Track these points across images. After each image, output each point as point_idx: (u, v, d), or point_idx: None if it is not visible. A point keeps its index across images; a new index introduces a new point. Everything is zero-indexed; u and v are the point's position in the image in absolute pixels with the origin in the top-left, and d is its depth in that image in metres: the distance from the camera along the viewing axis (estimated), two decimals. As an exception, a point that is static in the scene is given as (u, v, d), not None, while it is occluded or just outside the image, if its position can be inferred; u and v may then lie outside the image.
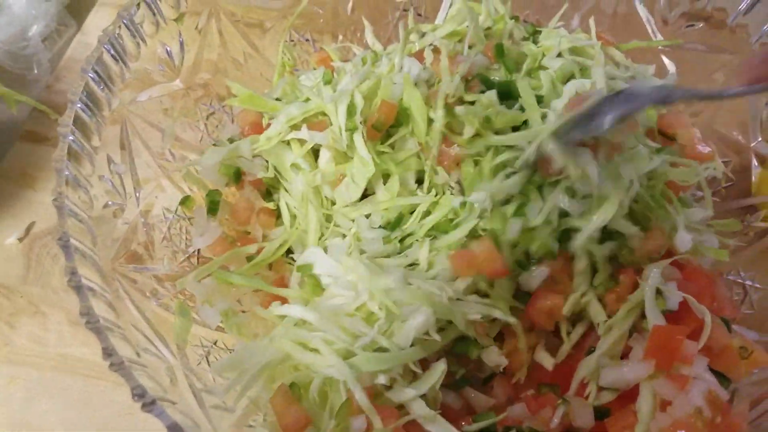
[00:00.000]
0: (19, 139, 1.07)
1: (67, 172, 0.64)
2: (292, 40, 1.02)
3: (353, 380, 0.60)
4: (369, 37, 1.00)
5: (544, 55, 0.90)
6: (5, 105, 1.05)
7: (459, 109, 0.77)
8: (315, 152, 0.83)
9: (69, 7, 1.26)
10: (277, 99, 0.91)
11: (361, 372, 0.61)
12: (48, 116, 1.09)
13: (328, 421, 0.60)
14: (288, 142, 0.82)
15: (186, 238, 0.81)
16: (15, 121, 1.09)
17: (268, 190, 0.87)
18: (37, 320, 0.88)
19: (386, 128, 0.79)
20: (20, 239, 0.95)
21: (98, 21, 1.25)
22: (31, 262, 0.93)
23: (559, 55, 0.89)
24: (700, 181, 0.81)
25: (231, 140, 0.90)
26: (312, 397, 0.62)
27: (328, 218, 0.80)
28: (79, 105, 0.68)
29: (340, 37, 1.06)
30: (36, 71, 1.16)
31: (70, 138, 0.65)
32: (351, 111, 0.78)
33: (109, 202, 0.70)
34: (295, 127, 0.81)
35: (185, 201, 0.83)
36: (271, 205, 0.84)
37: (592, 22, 0.98)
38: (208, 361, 0.69)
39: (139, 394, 0.51)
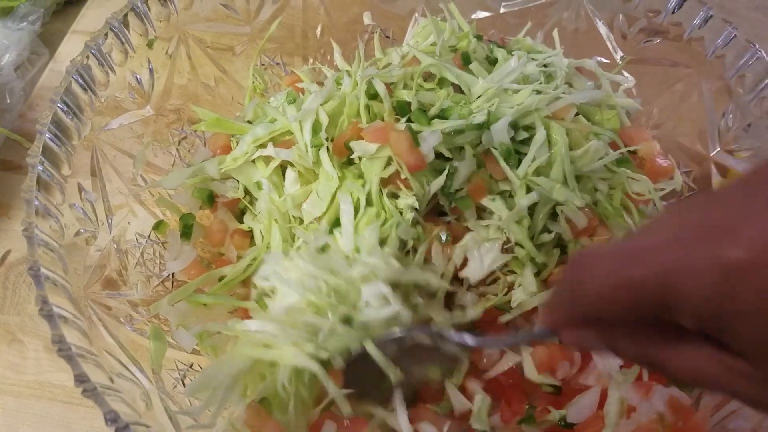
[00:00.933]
0: (-7, 168, 1.07)
1: (36, 202, 0.64)
2: (263, 64, 1.03)
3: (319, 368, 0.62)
4: (338, 59, 1.02)
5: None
6: (-22, 135, 1.06)
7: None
8: (283, 170, 0.84)
9: (41, 35, 1.27)
10: (248, 122, 0.93)
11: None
12: (21, 145, 1.09)
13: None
14: (254, 162, 0.83)
15: (160, 263, 0.82)
16: (-13, 150, 1.10)
17: (242, 210, 0.88)
18: (14, 348, 0.88)
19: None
20: (-5, 268, 0.96)
21: (71, 49, 1.26)
22: (7, 291, 0.94)
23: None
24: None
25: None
26: (281, 396, 0.63)
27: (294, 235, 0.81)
28: (47, 135, 0.69)
29: (311, 60, 1.08)
30: (9, 100, 1.16)
31: (39, 168, 0.66)
32: (316, 128, 0.80)
33: (81, 230, 0.71)
34: (262, 146, 0.83)
35: (158, 226, 0.83)
36: (244, 226, 0.85)
37: (555, 33, 1.02)
38: (183, 383, 0.70)
39: (112, 419, 0.52)
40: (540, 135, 0.81)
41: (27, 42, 1.23)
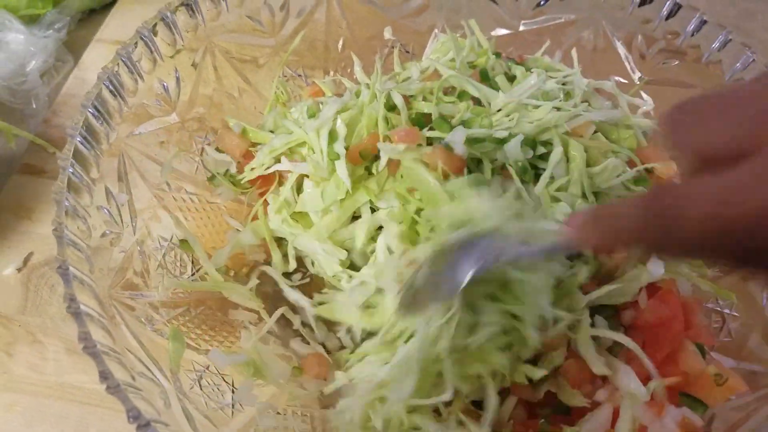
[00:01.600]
0: (17, 172, 1.09)
1: (66, 203, 0.66)
2: (285, 76, 1.05)
3: None
4: (358, 72, 1.03)
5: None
6: (4, 139, 1.08)
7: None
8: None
9: (66, 43, 1.30)
10: (271, 131, 0.95)
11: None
12: (45, 150, 1.12)
13: None
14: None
15: (180, 266, 0.84)
16: (13, 155, 1.12)
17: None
18: (35, 349, 0.90)
19: (371, 157, 0.82)
20: (18, 270, 0.97)
21: (95, 57, 1.29)
22: (29, 293, 0.95)
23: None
24: None
25: (227, 173, 0.94)
26: None
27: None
28: (78, 139, 0.71)
29: (332, 73, 1.10)
30: (34, 106, 1.19)
31: (70, 170, 0.68)
32: (333, 137, 0.82)
33: (107, 231, 0.73)
34: (277, 160, 0.85)
35: (183, 244, 0.85)
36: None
37: (574, 53, 1.03)
38: (200, 385, 0.71)
39: (134, 416, 0.53)
40: (557, 152, 0.82)
41: (52, 49, 1.26)
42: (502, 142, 0.80)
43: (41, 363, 0.89)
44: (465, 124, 0.84)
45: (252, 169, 0.88)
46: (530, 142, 0.82)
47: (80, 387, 0.86)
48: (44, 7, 1.33)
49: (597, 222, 0.49)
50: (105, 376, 0.55)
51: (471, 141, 0.80)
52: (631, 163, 0.88)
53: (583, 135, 0.87)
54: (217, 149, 0.94)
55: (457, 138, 0.78)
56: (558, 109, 0.86)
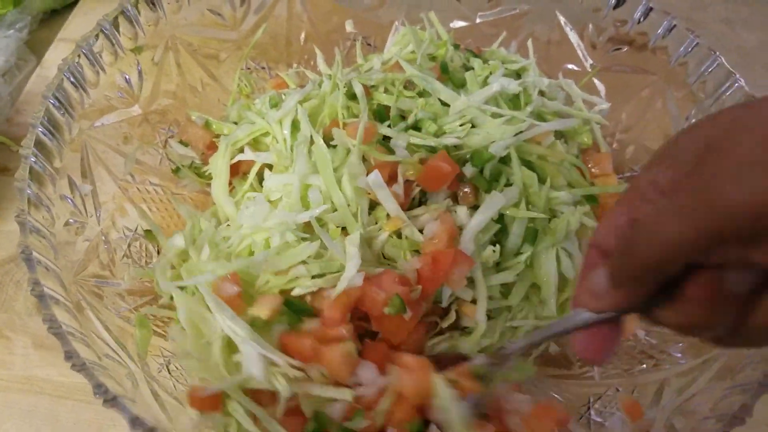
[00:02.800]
0: (-20, 171, 1.09)
1: (29, 191, 0.67)
2: (249, 68, 1.07)
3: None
4: (321, 64, 1.05)
5: (491, 73, 0.96)
6: (-34, 138, 1.08)
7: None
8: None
9: (29, 43, 1.30)
10: (234, 123, 0.96)
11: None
12: (9, 147, 1.12)
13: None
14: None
15: (146, 255, 0.84)
16: (-24, 154, 1.11)
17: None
18: (1, 345, 0.90)
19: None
20: (-18, 267, 0.97)
21: (57, 56, 1.28)
22: (-6, 289, 0.95)
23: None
24: None
25: (192, 165, 0.95)
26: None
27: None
28: (40, 129, 0.71)
29: (295, 65, 1.12)
30: (-4, 105, 1.19)
31: (32, 160, 0.69)
32: (295, 126, 0.83)
33: (71, 221, 0.73)
34: (240, 151, 0.86)
35: (148, 234, 0.86)
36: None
37: (529, 43, 1.07)
38: (168, 369, 0.72)
39: (101, 391, 0.54)
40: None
41: (14, 49, 1.26)
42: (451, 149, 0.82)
43: (8, 358, 0.89)
44: (417, 123, 0.86)
45: (214, 160, 0.90)
46: (480, 160, 0.82)
47: (49, 380, 0.87)
48: (4, 7, 1.32)
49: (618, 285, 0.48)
50: (70, 355, 0.55)
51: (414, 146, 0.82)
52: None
53: (541, 143, 0.89)
54: (181, 142, 0.95)
55: (399, 143, 0.81)
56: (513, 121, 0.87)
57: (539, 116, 0.91)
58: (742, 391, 0.64)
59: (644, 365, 0.83)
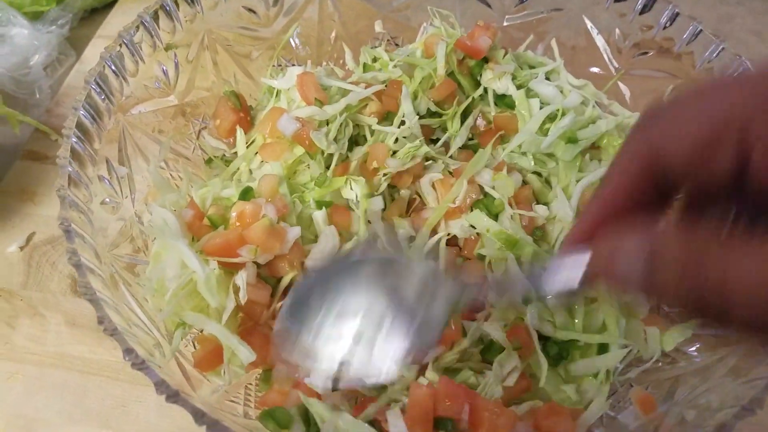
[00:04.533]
0: (21, 158, 1.14)
1: (69, 169, 0.70)
2: (280, 65, 1.10)
3: None
4: (349, 61, 1.08)
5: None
6: (8, 127, 1.12)
7: None
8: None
9: (69, 39, 1.36)
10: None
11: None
12: (48, 137, 1.16)
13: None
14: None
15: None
16: (17, 142, 1.16)
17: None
18: (36, 321, 0.94)
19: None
20: (21, 248, 1.01)
21: (96, 52, 1.31)
22: (31, 269, 0.99)
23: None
24: None
25: (224, 157, 0.98)
26: None
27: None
28: (81, 112, 0.75)
29: (324, 64, 1.15)
30: (37, 96, 1.24)
31: (74, 140, 0.72)
32: None
33: (107, 199, 0.77)
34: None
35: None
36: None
37: (553, 43, 1.09)
38: (193, 343, 0.75)
39: (130, 355, 0.57)
40: None
41: (55, 44, 1.31)
42: None
43: (42, 335, 0.93)
44: None
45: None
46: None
47: (79, 357, 0.90)
48: (48, 4, 1.38)
49: (625, 258, 0.42)
50: (102, 320, 0.58)
51: None
52: None
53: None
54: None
55: None
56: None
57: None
58: (753, 385, 0.64)
59: (660, 363, 0.84)
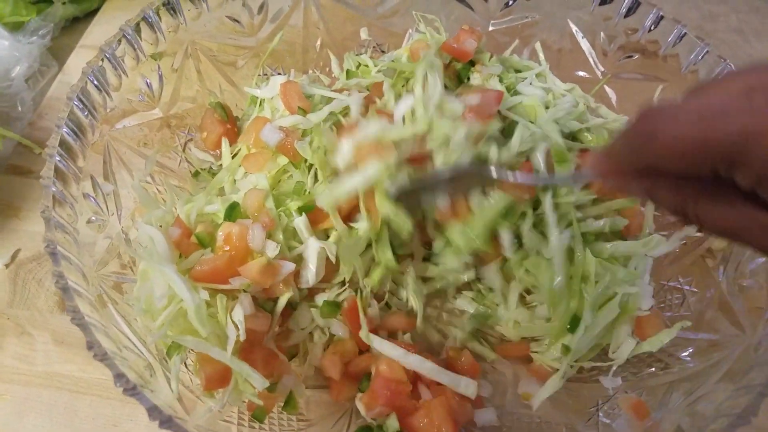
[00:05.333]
0: (3, 173, 1.12)
1: (53, 189, 0.69)
2: (265, 74, 1.09)
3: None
4: (335, 68, 1.08)
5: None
6: (-10, 141, 1.11)
7: None
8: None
9: (51, 49, 1.34)
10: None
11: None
12: (32, 150, 1.15)
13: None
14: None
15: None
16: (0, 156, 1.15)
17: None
18: (23, 340, 0.92)
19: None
20: (6, 265, 1.00)
21: (79, 62, 1.32)
22: (17, 287, 0.97)
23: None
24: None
25: (210, 169, 0.97)
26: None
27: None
28: (64, 129, 0.74)
29: (310, 72, 1.14)
30: (20, 109, 1.22)
31: (57, 158, 0.71)
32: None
33: (93, 218, 0.76)
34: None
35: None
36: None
37: (538, 46, 1.09)
38: (186, 365, 0.74)
39: (122, 382, 0.56)
40: None
41: (37, 55, 1.30)
42: None
43: (30, 354, 0.91)
44: None
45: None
46: None
47: (68, 375, 0.89)
48: (28, 14, 1.36)
49: (603, 154, 0.56)
50: (92, 345, 0.57)
51: None
52: None
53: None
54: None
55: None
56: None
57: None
58: (747, 392, 0.65)
59: (653, 368, 0.84)
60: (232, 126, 0.97)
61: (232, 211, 0.79)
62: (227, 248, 0.74)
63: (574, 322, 0.81)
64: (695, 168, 0.45)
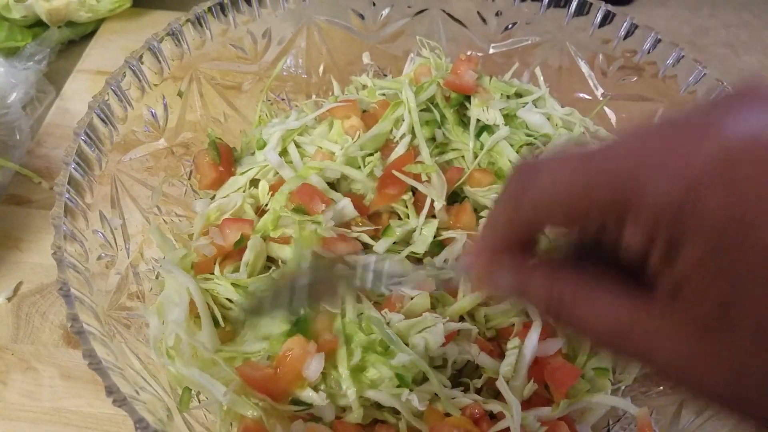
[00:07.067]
0: (3, 203, 1.11)
1: (64, 228, 0.68)
2: (269, 100, 1.09)
3: None
4: (337, 93, 1.08)
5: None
6: (-12, 171, 1.10)
7: None
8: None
9: (47, 74, 1.33)
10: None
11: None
12: (31, 180, 1.13)
13: None
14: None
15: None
16: (-1, 186, 1.13)
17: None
18: (28, 376, 0.91)
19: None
20: (9, 299, 0.98)
21: (76, 87, 1.31)
22: (20, 321, 0.96)
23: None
24: None
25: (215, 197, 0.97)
26: None
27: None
28: (72, 166, 0.73)
29: (314, 96, 1.14)
30: (18, 137, 1.20)
31: (66, 196, 0.71)
32: None
33: (102, 254, 0.75)
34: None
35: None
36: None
37: (538, 71, 1.10)
38: (198, 399, 0.73)
39: (142, 426, 0.55)
40: None
41: (33, 81, 1.29)
42: None
43: (36, 390, 0.90)
44: None
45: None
46: None
47: (76, 411, 0.88)
48: (23, 39, 1.36)
49: (483, 230, 0.48)
50: (111, 390, 0.57)
51: None
52: None
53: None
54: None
55: None
56: None
57: None
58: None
59: (662, 387, 0.84)
60: (226, 168, 0.96)
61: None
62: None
63: None
64: (578, 221, 0.40)
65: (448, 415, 0.75)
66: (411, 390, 0.72)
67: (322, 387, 0.72)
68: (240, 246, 0.83)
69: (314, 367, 0.69)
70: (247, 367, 0.71)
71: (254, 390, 0.69)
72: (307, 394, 0.70)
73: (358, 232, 0.87)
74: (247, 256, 0.82)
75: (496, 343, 0.84)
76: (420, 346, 0.74)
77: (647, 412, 0.78)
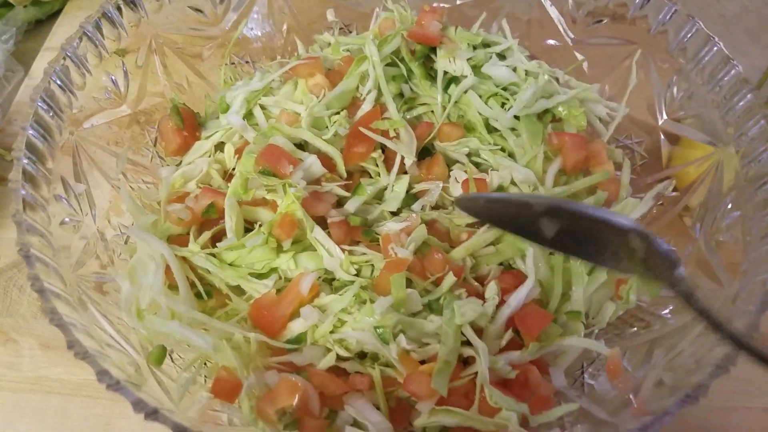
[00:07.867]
0: (-24, 181, 1.11)
1: (23, 192, 0.68)
2: (233, 63, 1.08)
3: None
4: (302, 53, 1.07)
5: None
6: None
7: None
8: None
9: (15, 54, 1.32)
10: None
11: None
12: (3, 158, 1.13)
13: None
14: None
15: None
16: (-29, 166, 1.13)
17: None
18: (9, 347, 0.92)
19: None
20: (-15, 274, 0.99)
21: (44, 65, 1.29)
22: (-2, 295, 0.97)
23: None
24: None
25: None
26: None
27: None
28: (30, 131, 0.73)
29: (278, 57, 1.13)
30: (-13, 116, 1.20)
31: (24, 161, 0.70)
32: None
33: (66, 220, 0.75)
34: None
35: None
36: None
37: (504, 23, 1.08)
38: (171, 358, 0.74)
39: (104, 377, 0.56)
40: None
41: (1, 60, 1.27)
42: None
43: (17, 360, 0.91)
44: None
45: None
46: None
47: (57, 379, 0.89)
48: (-11, 20, 1.34)
49: None
50: (72, 344, 0.57)
51: None
52: None
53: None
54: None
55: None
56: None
57: None
58: (726, 343, 0.65)
59: (635, 328, 0.85)
60: (191, 133, 0.95)
61: None
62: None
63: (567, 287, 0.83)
64: None
65: (423, 362, 0.76)
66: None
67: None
68: (208, 215, 0.83)
69: (307, 282, 0.76)
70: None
71: (255, 324, 0.74)
72: (297, 325, 0.75)
73: (330, 186, 0.87)
74: (229, 222, 0.82)
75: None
76: None
77: (618, 352, 0.79)
